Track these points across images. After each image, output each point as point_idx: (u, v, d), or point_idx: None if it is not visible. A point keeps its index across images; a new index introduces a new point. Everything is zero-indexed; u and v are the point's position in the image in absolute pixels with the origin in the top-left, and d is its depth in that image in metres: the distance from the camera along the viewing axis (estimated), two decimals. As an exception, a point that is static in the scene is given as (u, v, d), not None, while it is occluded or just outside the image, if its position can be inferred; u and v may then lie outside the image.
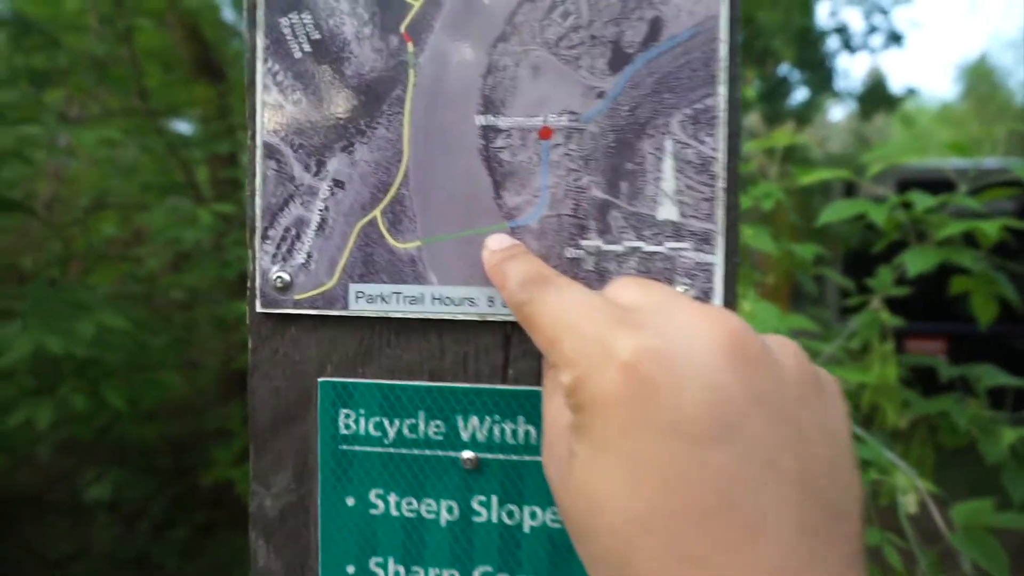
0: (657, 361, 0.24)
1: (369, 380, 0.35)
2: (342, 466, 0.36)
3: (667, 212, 0.33)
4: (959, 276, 1.01)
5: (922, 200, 0.87)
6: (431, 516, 0.35)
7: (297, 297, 0.35)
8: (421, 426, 0.35)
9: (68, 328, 1.48)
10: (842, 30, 4.46)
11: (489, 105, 0.34)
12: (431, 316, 0.35)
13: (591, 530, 0.24)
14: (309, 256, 0.35)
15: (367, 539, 0.35)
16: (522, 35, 0.33)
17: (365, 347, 0.36)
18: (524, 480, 0.34)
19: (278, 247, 0.35)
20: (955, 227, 0.88)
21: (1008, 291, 0.96)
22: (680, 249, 0.33)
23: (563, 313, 0.27)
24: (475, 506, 0.35)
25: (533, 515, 0.34)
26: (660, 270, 0.33)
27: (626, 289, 0.29)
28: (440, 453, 0.35)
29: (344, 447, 0.35)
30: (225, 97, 2.59)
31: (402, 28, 0.34)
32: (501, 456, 0.35)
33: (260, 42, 0.35)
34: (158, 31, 2.62)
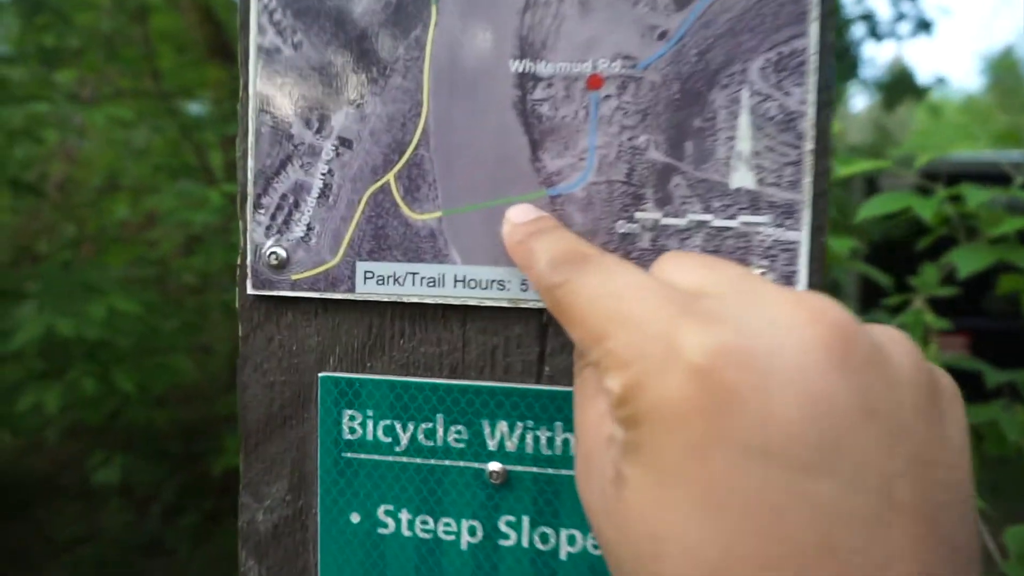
0: (739, 364, 0.18)
1: (378, 376, 0.30)
2: (346, 476, 0.30)
3: (742, 179, 0.27)
4: (1009, 275, 0.94)
5: (975, 194, 0.80)
6: (450, 538, 0.30)
7: (295, 277, 0.30)
8: (439, 431, 0.30)
9: (80, 310, 1.45)
10: (868, 17, 4.36)
11: (527, 48, 0.28)
12: (453, 301, 0.29)
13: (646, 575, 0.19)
14: (309, 228, 0.30)
15: (374, 562, 0.30)
16: (568, -38, 0.28)
17: (374, 337, 0.30)
18: (561, 498, 0.29)
19: (273, 218, 0.30)
20: (1012, 223, 0.81)
21: None
22: (757, 224, 0.27)
23: (611, 299, 0.21)
24: (502, 527, 0.29)
25: (571, 540, 0.29)
26: (732, 249, 0.27)
27: (684, 267, 0.23)
28: (462, 464, 0.29)
29: (348, 454, 0.30)
30: (238, 77, 2.54)
31: (423, -45, 0.28)
32: (534, 469, 0.29)
33: (254, -27, 0.30)
34: (171, 13, 2.58)
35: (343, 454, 0.30)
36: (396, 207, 0.29)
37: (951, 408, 0.20)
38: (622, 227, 0.28)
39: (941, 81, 3.47)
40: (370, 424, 0.30)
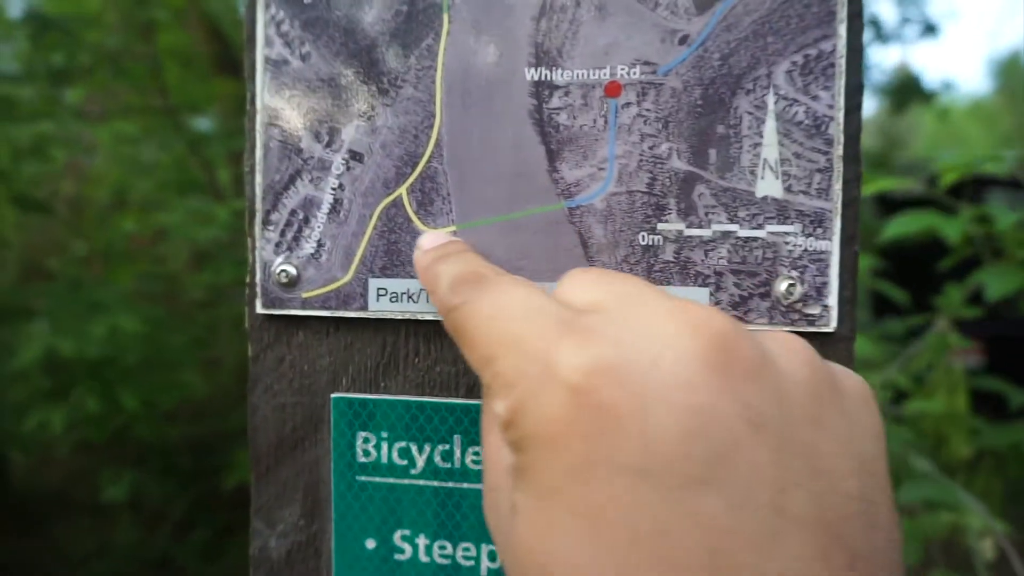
0: (615, 381, 0.17)
1: (393, 396, 0.29)
2: (360, 501, 0.29)
3: (768, 187, 0.26)
4: None
5: (1004, 216, 0.78)
6: (469, 563, 0.29)
7: (306, 295, 0.29)
8: (457, 453, 0.28)
9: (80, 329, 1.45)
10: (873, 21, 4.35)
11: (543, 56, 0.27)
12: (469, 318, 0.28)
13: None
14: (320, 245, 0.29)
15: (391, 590, 0.29)
16: (584, -34, 0.27)
17: (388, 356, 0.29)
18: (585, 522, 0.28)
19: (282, 234, 0.29)
20: None
21: None
22: (785, 234, 0.26)
23: (500, 320, 0.20)
24: (523, 552, 0.28)
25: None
26: (759, 260, 0.26)
27: (580, 285, 0.22)
28: (480, 487, 0.28)
29: (363, 477, 0.29)
30: (245, 93, 2.55)
31: (434, -38, 0.28)
32: (556, 492, 0.28)
33: (261, -15, 0.29)
34: (178, 29, 2.60)
35: (357, 477, 0.29)
36: (409, 222, 0.28)
37: (860, 412, 0.20)
38: (644, 239, 0.27)
39: (948, 86, 3.46)
40: (385, 446, 0.29)
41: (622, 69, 0.27)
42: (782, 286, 0.26)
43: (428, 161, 0.28)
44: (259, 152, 0.29)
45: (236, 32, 2.82)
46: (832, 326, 0.26)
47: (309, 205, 0.29)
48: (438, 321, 0.29)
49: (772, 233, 0.26)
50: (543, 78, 0.27)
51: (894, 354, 1.08)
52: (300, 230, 0.29)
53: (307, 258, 0.29)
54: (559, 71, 0.27)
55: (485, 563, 0.28)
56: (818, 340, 0.26)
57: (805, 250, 0.26)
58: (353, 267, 0.29)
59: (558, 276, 0.24)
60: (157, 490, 2.19)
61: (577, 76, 0.27)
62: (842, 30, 0.26)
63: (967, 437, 0.80)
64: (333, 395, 0.29)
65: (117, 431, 1.94)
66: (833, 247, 0.26)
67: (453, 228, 0.28)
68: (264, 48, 0.29)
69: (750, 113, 0.26)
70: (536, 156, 0.27)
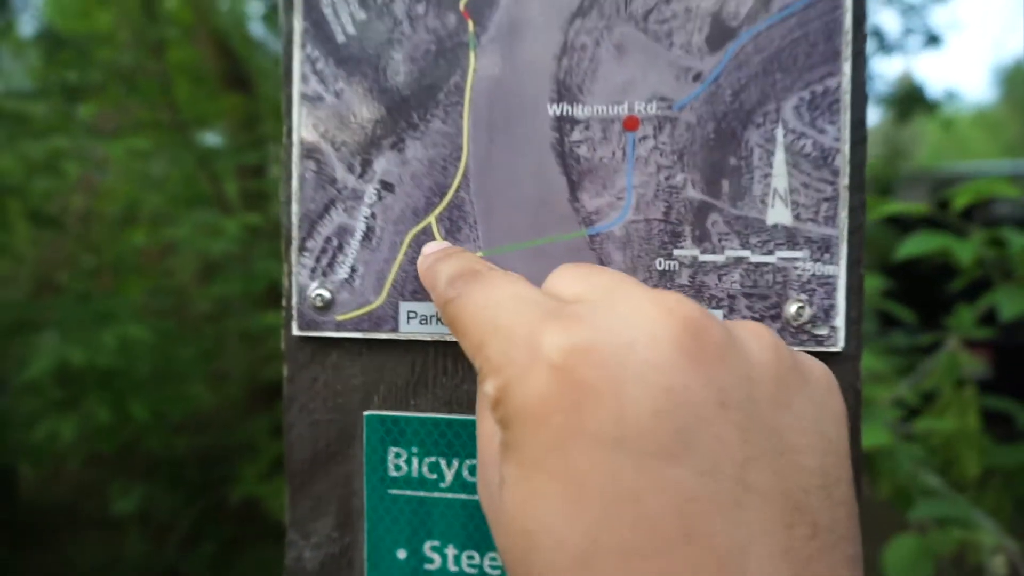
0: (593, 361, 0.19)
1: (423, 414, 0.30)
2: (392, 513, 0.31)
3: (778, 215, 0.28)
4: None
5: (1016, 239, 0.79)
6: (495, 572, 0.30)
7: (339, 318, 0.31)
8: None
9: (93, 339, 1.46)
10: (876, 32, 4.37)
11: (564, 92, 0.29)
12: (495, 339, 0.30)
13: (526, 572, 0.19)
14: (353, 270, 0.30)
15: (421, 599, 0.30)
16: (603, 8, 0.28)
17: (418, 375, 0.31)
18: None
19: (317, 260, 0.31)
20: None
21: None
22: (794, 259, 0.28)
23: (489, 310, 0.22)
24: (547, 562, 0.30)
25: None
26: (770, 284, 0.28)
27: (566, 278, 0.24)
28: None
29: (394, 491, 0.31)
30: (253, 108, 2.58)
31: (461, 5, 0.29)
32: (579, 504, 0.29)
33: (298, 25, 0.31)
34: (188, 45, 2.63)
35: (389, 491, 0.31)
36: (438, 248, 0.30)
37: (823, 396, 0.21)
38: (661, 264, 0.28)
39: (952, 96, 3.47)
40: (415, 461, 0.30)
41: (639, 104, 0.28)
42: (792, 308, 0.28)
43: (456, 191, 0.30)
44: (295, 183, 0.31)
45: (244, 48, 2.86)
46: (839, 346, 0.28)
47: (343, 233, 0.30)
48: (465, 342, 0.30)
49: (782, 258, 0.28)
50: (565, 113, 0.29)
51: (901, 367, 1.09)
52: (334, 256, 0.30)
53: (341, 283, 0.30)
54: (580, 106, 0.29)
55: (510, 573, 0.30)
56: (826, 359, 0.28)
57: (813, 274, 0.28)
58: (385, 291, 0.30)
59: None
60: (165, 502, 2.21)
61: (597, 111, 0.29)
62: (846, 68, 0.27)
63: (978, 456, 0.81)
64: (365, 412, 0.31)
65: (126, 443, 1.96)
66: (840, 271, 0.28)
67: (480, 254, 0.30)
68: (300, 85, 0.31)
69: (760, 146, 0.28)
70: (558, 186, 0.29)
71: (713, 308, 0.28)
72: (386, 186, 0.30)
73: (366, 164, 0.30)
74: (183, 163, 2.33)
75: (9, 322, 1.90)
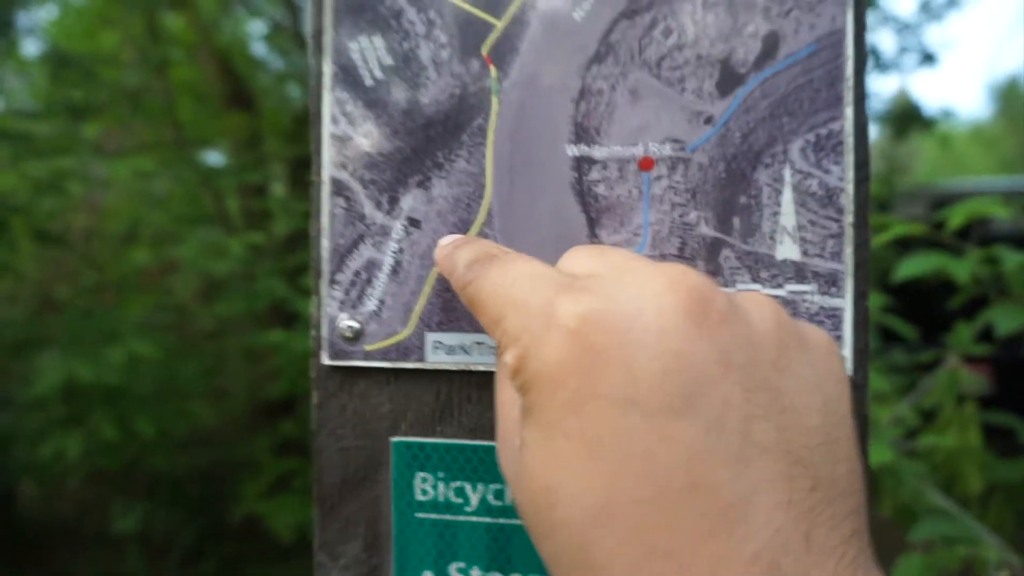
0: (605, 327, 0.21)
1: (449, 440, 0.32)
2: (419, 536, 0.32)
3: (787, 251, 0.29)
4: None
5: (1011, 258, 0.81)
6: (518, 593, 0.31)
7: (368, 348, 0.32)
8: (508, 492, 0.31)
9: (99, 356, 1.47)
10: (873, 51, 4.42)
11: (582, 134, 0.30)
12: (517, 368, 0.31)
13: (546, 527, 0.21)
14: (381, 303, 0.32)
15: (446, 619, 0.32)
16: (618, 56, 0.30)
17: (443, 403, 0.32)
18: (625, 554, 0.30)
19: (347, 293, 0.32)
20: None
21: None
22: (803, 292, 0.29)
23: (506, 287, 0.24)
24: (568, 583, 0.31)
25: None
26: (780, 316, 0.29)
27: (579, 257, 0.25)
28: (528, 522, 0.31)
29: (421, 515, 0.32)
30: (256, 127, 2.61)
31: (484, 51, 0.31)
32: (598, 527, 0.31)
33: (327, 69, 0.32)
34: (191, 65, 2.66)
35: (416, 514, 0.32)
36: (463, 281, 0.31)
37: (823, 360, 0.22)
38: (676, 297, 0.30)
39: (948, 113, 3.50)
40: (441, 486, 0.32)
41: (654, 146, 0.30)
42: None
43: (480, 228, 0.31)
44: (325, 219, 0.32)
45: (246, 67, 2.89)
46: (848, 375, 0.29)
47: (372, 267, 0.32)
48: (489, 372, 0.31)
49: (791, 292, 0.29)
50: (583, 154, 0.30)
51: (903, 385, 1.10)
52: (363, 289, 0.32)
53: (370, 314, 0.32)
54: (597, 147, 0.30)
55: (532, 593, 0.31)
56: (834, 387, 0.29)
57: (821, 307, 0.29)
58: (412, 322, 0.32)
59: None
60: (166, 520, 2.20)
61: (614, 152, 0.30)
62: (849, 112, 0.29)
63: (980, 472, 0.82)
64: (393, 439, 0.32)
65: (128, 460, 1.96)
66: (846, 304, 0.29)
67: (503, 287, 0.31)
68: (330, 126, 0.32)
69: (769, 185, 0.29)
70: (578, 223, 0.30)
71: (725, 338, 0.30)
72: (413, 222, 0.32)
73: (394, 201, 0.32)
74: (186, 182, 2.35)
75: (12, 340, 1.91)
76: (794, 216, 0.29)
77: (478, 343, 0.31)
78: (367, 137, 0.32)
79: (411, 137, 0.32)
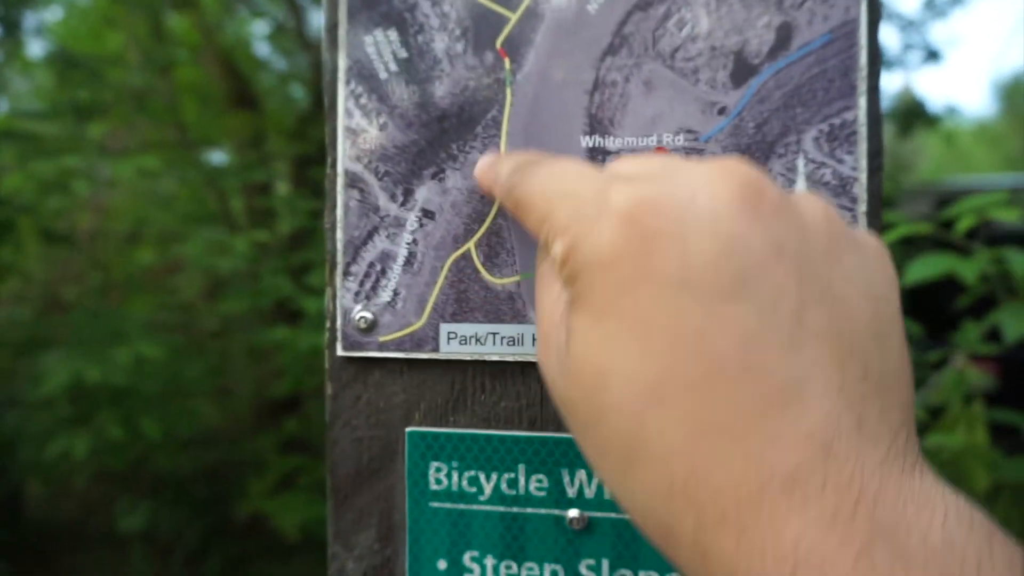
0: (658, 211, 0.20)
1: (462, 430, 0.32)
2: (432, 525, 0.32)
3: (801, 240, 0.29)
4: None
5: (1019, 261, 0.81)
6: (532, 582, 0.31)
7: (382, 339, 0.32)
8: (521, 481, 0.31)
9: (106, 356, 1.48)
10: (875, 48, 4.40)
11: (596, 125, 0.31)
12: (531, 358, 0.31)
13: (596, 412, 0.21)
14: (395, 294, 0.32)
15: (460, 608, 0.32)
16: (632, 47, 0.30)
17: (457, 393, 0.32)
18: (640, 541, 0.31)
19: (361, 284, 0.32)
20: None
21: None
22: (816, 282, 0.29)
23: (554, 183, 0.24)
24: (583, 571, 0.31)
25: (649, 583, 0.31)
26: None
27: (625, 161, 0.25)
28: (543, 511, 0.31)
29: (435, 504, 0.32)
30: (259, 126, 2.61)
31: (498, 43, 0.31)
32: (613, 515, 0.31)
33: (342, 63, 0.32)
34: (195, 65, 2.67)
35: (430, 504, 0.32)
36: (477, 272, 0.31)
37: (874, 261, 0.22)
38: (690, 287, 0.30)
39: (952, 111, 3.49)
40: (455, 475, 0.32)
41: (668, 136, 0.30)
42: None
43: (494, 218, 0.31)
44: (339, 211, 0.33)
45: (250, 67, 2.89)
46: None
47: (386, 258, 0.32)
48: (503, 361, 0.32)
49: (805, 281, 0.29)
50: (597, 145, 0.31)
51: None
52: (378, 280, 0.32)
53: (384, 305, 0.32)
54: (611, 138, 0.31)
55: (547, 582, 0.31)
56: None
57: (835, 296, 0.29)
58: (426, 313, 0.32)
59: None
60: (172, 519, 2.21)
61: (627, 143, 0.30)
62: (862, 102, 0.29)
63: (987, 471, 0.82)
64: (407, 429, 0.32)
65: (135, 460, 1.96)
66: (859, 293, 0.29)
67: (517, 278, 0.31)
68: (345, 119, 0.33)
69: (782, 175, 0.29)
70: (591, 213, 0.31)
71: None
72: (427, 214, 0.32)
73: (408, 193, 0.32)
74: (191, 181, 2.36)
75: (19, 340, 1.92)
76: (807, 206, 0.29)
77: (492, 333, 0.31)
78: (382, 130, 0.32)
79: (425, 129, 0.32)
